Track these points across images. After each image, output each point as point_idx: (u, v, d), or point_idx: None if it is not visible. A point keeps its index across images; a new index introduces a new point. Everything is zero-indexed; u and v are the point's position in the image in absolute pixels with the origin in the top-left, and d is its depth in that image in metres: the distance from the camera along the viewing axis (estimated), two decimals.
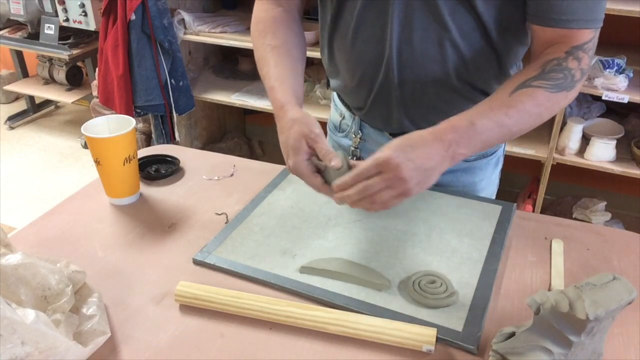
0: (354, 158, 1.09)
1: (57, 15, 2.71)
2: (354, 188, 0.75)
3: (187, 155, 1.14)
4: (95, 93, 2.71)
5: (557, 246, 0.86)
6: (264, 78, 0.92)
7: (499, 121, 0.78)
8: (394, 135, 1.03)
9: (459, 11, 0.84)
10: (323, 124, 0.91)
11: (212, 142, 2.91)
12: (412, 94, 0.93)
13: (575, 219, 2.27)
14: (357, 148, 1.09)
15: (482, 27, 0.85)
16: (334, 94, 1.13)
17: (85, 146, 3.19)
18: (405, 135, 0.77)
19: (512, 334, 0.63)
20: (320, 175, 0.81)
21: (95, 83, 2.67)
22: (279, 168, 1.07)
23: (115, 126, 0.96)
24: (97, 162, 0.93)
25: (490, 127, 0.77)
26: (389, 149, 0.74)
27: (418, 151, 0.74)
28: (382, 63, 0.91)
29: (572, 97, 0.82)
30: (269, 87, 0.89)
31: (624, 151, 2.08)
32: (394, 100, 0.94)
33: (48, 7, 2.76)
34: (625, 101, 1.89)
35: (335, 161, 0.79)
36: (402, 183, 0.73)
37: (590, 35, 0.81)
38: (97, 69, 2.47)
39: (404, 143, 0.75)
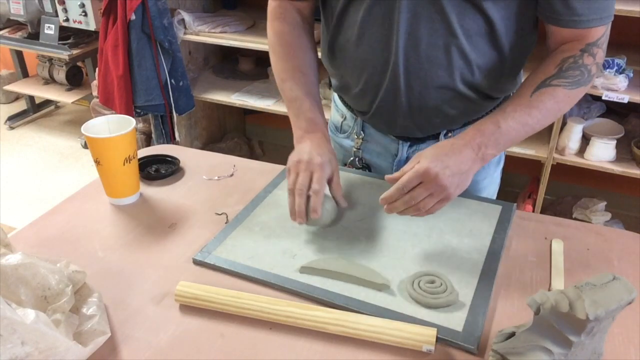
0: (357, 159, 1.09)
1: (57, 15, 2.71)
2: (399, 200, 0.81)
3: (187, 155, 1.14)
4: (95, 93, 2.71)
5: (557, 246, 0.86)
6: (290, 100, 0.96)
7: (523, 121, 0.84)
8: (398, 137, 1.03)
9: (467, 15, 0.84)
10: None
11: (212, 142, 2.91)
12: (418, 100, 0.93)
13: (575, 219, 2.27)
14: (359, 149, 1.08)
15: (491, 30, 0.86)
16: (335, 95, 1.13)
17: (85, 146, 3.19)
18: (437, 145, 0.83)
19: (512, 334, 0.63)
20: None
21: (95, 83, 2.66)
22: (279, 168, 1.07)
23: (115, 126, 0.96)
24: (97, 162, 0.93)
25: (515, 128, 0.83)
26: (426, 160, 0.79)
27: (453, 158, 0.80)
28: (387, 69, 0.91)
29: (589, 87, 0.87)
30: (304, 109, 0.94)
31: (624, 151, 2.08)
32: (400, 106, 0.94)
33: (48, 7, 2.76)
34: (625, 101, 1.89)
35: (344, 203, 0.90)
36: (443, 190, 0.79)
37: (603, 31, 0.84)
38: (97, 69, 2.47)
39: (438, 152, 0.81)
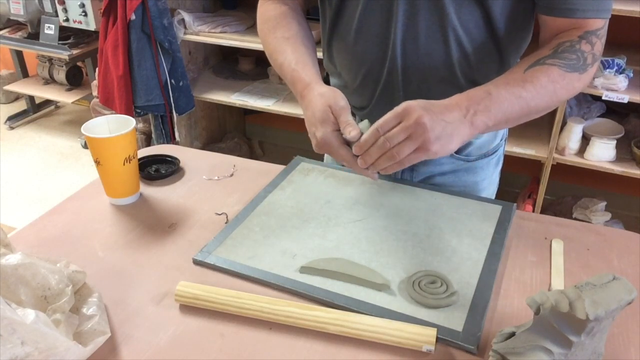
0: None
1: (57, 15, 2.72)
2: (374, 146, 0.74)
3: (187, 155, 1.14)
4: (95, 93, 2.71)
5: (557, 246, 0.86)
6: (282, 66, 0.91)
7: (516, 93, 0.78)
8: None
9: (465, 6, 0.83)
10: None
11: (212, 142, 2.91)
12: (416, 93, 0.93)
13: (575, 219, 2.27)
14: None
15: (488, 21, 0.85)
16: None
17: (85, 146, 3.19)
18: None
19: (512, 334, 0.63)
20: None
21: (95, 83, 2.67)
22: (279, 168, 1.07)
23: (115, 126, 0.96)
24: (97, 162, 0.93)
25: (507, 98, 0.78)
26: (408, 101, 0.74)
27: (437, 105, 0.75)
28: (385, 62, 0.91)
29: (585, 81, 0.83)
30: (290, 71, 0.88)
31: (624, 151, 2.08)
32: (398, 100, 0.94)
33: (48, 7, 2.76)
34: (625, 101, 1.89)
35: (352, 133, 0.77)
36: (423, 131, 0.72)
37: (601, 24, 0.83)
38: (97, 69, 2.47)
39: (421, 100, 0.75)
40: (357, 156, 0.78)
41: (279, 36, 0.94)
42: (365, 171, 0.79)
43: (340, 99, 0.81)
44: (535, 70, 0.80)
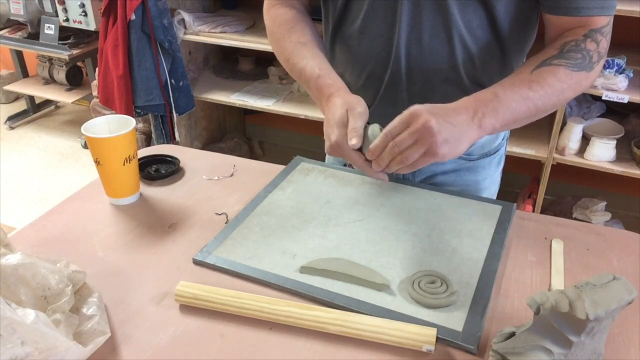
0: None
1: (57, 15, 2.72)
2: (385, 151, 0.75)
3: (187, 155, 1.14)
4: (95, 93, 2.71)
5: (557, 246, 0.86)
6: (302, 71, 0.91)
7: (523, 94, 0.79)
8: None
9: (469, 7, 0.83)
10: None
11: (212, 142, 2.91)
12: (420, 94, 0.93)
13: (575, 219, 2.27)
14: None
15: (492, 22, 0.85)
16: None
17: (85, 146, 3.19)
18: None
19: (512, 334, 0.63)
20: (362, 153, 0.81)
21: (95, 83, 2.67)
22: (279, 168, 1.07)
23: (115, 126, 0.96)
24: (97, 162, 0.93)
25: (515, 99, 0.78)
26: (415, 106, 0.74)
27: (444, 110, 0.75)
28: (389, 63, 0.91)
29: (592, 79, 0.84)
30: (315, 77, 0.89)
31: (624, 151, 2.08)
32: (402, 100, 0.94)
33: (48, 7, 2.76)
34: (625, 101, 1.89)
35: (353, 141, 0.78)
36: (430, 135, 0.72)
37: (606, 21, 0.83)
38: (97, 69, 2.47)
39: (428, 104, 0.76)
40: (368, 160, 0.80)
41: (294, 41, 0.94)
42: (377, 174, 0.81)
43: (359, 105, 0.82)
44: (542, 71, 0.80)
